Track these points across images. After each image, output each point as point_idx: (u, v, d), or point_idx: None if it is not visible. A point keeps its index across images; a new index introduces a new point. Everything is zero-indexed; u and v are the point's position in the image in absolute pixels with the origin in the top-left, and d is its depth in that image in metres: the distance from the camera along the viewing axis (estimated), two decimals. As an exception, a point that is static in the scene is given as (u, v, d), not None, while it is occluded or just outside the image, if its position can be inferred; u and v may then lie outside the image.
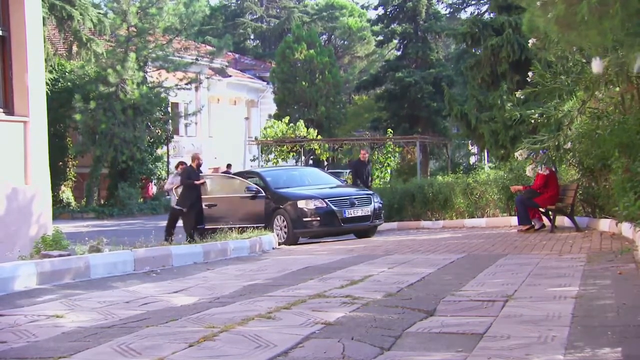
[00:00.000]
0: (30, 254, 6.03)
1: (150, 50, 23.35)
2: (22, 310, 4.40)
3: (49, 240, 6.13)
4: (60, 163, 23.36)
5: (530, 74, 9.34)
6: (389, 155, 21.17)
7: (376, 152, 21.78)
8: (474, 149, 31.55)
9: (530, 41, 8.78)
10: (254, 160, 24.15)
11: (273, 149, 21.68)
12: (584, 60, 8.32)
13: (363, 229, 11.86)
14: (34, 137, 8.26)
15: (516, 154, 9.98)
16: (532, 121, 9.86)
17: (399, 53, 32.53)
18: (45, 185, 8.54)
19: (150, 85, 23.74)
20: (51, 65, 21.88)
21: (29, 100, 8.18)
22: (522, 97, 9.98)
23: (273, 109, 32.06)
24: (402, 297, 4.72)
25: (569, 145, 9.19)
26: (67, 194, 24.26)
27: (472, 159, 32.65)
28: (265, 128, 23.40)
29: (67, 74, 23.56)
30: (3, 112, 8.07)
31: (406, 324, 3.83)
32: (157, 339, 3.46)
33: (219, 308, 4.34)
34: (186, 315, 4.10)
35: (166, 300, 4.77)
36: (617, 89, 8.68)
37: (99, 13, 22.12)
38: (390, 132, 22.44)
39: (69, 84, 23.21)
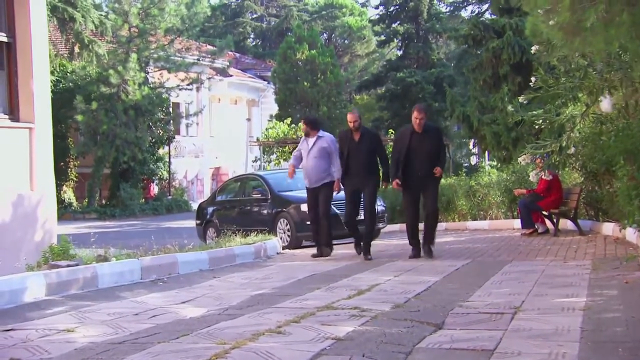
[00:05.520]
0: (37, 263, 6.05)
1: (151, 51, 23.37)
2: (33, 323, 4.42)
3: (57, 250, 6.15)
4: (62, 163, 23.36)
5: (533, 78, 9.36)
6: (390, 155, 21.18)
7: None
8: (475, 149, 31.57)
9: (533, 48, 8.80)
10: (255, 161, 24.17)
11: (275, 150, 21.70)
12: (586, 63, 8.34)
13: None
14: (39, 143, 8.28)
15: (519, 159, 10.02)
16: (536, 126, 9.87)
17: (400, 53, 32.56)
18: (50, 191, 8.57)
19: (151, 85, 23.77)
20: (53, 66, 21.89)
21: (34, 107, 8.20)
22: (525, 101, 10.00)
23: (274, 108, 32.07)
24: (410, 308, 4.74)
25: (572, 150, 9.22)
26: (68, 194, 24.29)
27: (474, 159, 32.65)
28: (267, 129, 23.43)
29: (68, 74, 23.58)
30: (8, 119, 8.10)
31: (416, 338, 3.85)
32: (169, 356, 3.47)
33: (229, 321, 4.35)
34: (196, 329, 4.11)
35: (175, 312, 4.79)
36: (621, 94, 8.70)
37: (101, 15, 22.13)
38: (392, 133, 22.46)
39: (70, 84, 23.24)
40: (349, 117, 8.34)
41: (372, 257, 8.24)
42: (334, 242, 11.28)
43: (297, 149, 9.17)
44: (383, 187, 8.86)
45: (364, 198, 8.36)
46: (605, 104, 6.81)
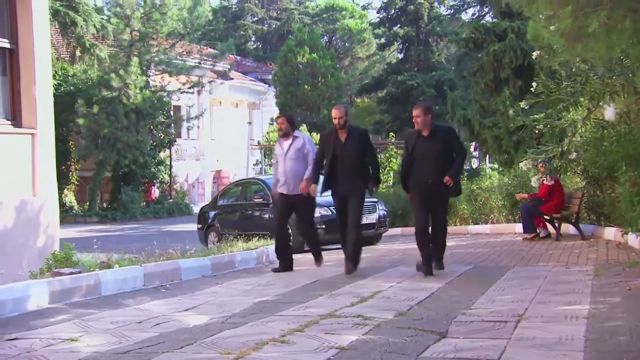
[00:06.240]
0: (40, 270, 6.06)
1: (153, 55, 23.39)
2: (37, 332, 4.42)
3: (59, 257, 6.15)
4: (63, 167, 23.38)
5: (534, 84, 9.37)
6: (391, 158, 21.23)
7: (379, 156, 21.84)
8: (476, 153, 31.56)
9: (534, 53, 8.81)
10: (256, 164, 24.16)
11: (276, 153, 21.70)
12: (587, 67, 8.35)
13: (367, 236, 11.87)
14: (41, 149, 8.29)
15: (521, 164, 10.02)
16: (537, 131, 9.87)
17: (400, 56, 32.58)
18: (52, 197, 8.57)
19: (153, 89, 23.78)
20: (54, 70, 21.92)
21: (37, 113, 8.21)
22: (526, 106, 10.00)
23: (275, 111, 32.07)
24: (413, 316, 4.74)
25: (573, 155, 9.22)
26: (69, 197, 24.29)
27: (474, 162, 32.64)
28: (268, 132, 23.43)
29: (70, 78, 23.60)
30: (11, 125, 8.11)
31: (420, 347, 3.85)
32: (174, 366, 3.48)
33: (232, 330, 4.35)
34: (200, 338, 4.11)
35: (178, 320, 4.79)
36: (623, 99, 8.70)
37: (102, 18, 22.15)
38: (393, 136, 22.48)
39: (71, 88, 23.24)
40: (334, 112, 7.28)
41: (358, 270, 7.24)
42: (334, 247, 11.30)
43: (273, 157, 8.10)
44: (374, 189, 7.79)
45: (348, 204, 7.21)
46: (609, 112, 6.81)
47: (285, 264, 7.85)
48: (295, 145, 7.71)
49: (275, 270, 7.77)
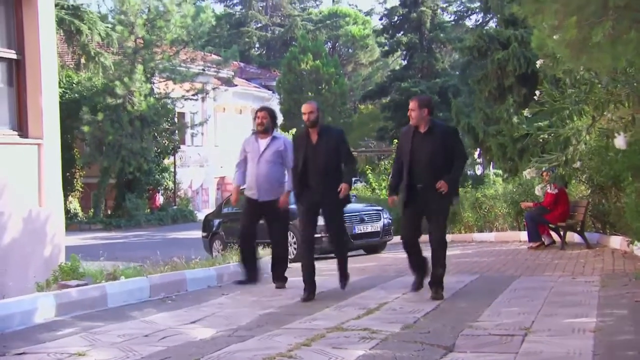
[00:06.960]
0: (47, 282, 6.07)
1: (157, 62, 23.48)
2: (45, 346, 4.43)
3: (66, 269, 6.17)
4: (68, 174, 23.45)
5: (537, 92, 9.37)
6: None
7: (382, 162, 21.89)
8: (480, 160, 31.56)
9: (538, 61, 8.83)
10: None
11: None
12: (592, 75, 8.34)
13: (372, 244, 11.90)
14: (47, 159, 8.32)
15: (524, 173, 10.03)
16: (541, 139, 9.87)
17: (404, 62, 32.61)
18: (58, 207, 8.60)
19: (157, 96, 23.87)
20: (59, 78, 22.01)
21: (43, 123, 8.25)
22: (529, 115, 10.02)
23: (278, 117, 32.16)
24: (420, 329, 4.73)
25: (578, 164, 9.22)
26: (74, 204, 24.36)
27: (479, 169, 32.64)
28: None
29: (74, 85, 23.70)
30: (17, 135, 8.14)
31: (427, 362, 3.85)
32: (182, 383, 3.48)
33: (239, 344, 4.35)
34: (207, 353, 4.12)
35: (185, 333, 4.79)
36: (628, 108, 8.69)
37: (107, 26, 22.25)
38: (396, 142, 22.52)
39: (76, 95, 23.34)
40: (303, 107, 6.35)
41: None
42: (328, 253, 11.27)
43: (240, 153, 7.06)
44: (346, 201, 6.44)
45: (324, 217, 6.42)
46: (620, 141, 6.81)
47: (251, 274, 7.09)
48: (273, 146, 6.85)
49: (239, 282, 7.13)
